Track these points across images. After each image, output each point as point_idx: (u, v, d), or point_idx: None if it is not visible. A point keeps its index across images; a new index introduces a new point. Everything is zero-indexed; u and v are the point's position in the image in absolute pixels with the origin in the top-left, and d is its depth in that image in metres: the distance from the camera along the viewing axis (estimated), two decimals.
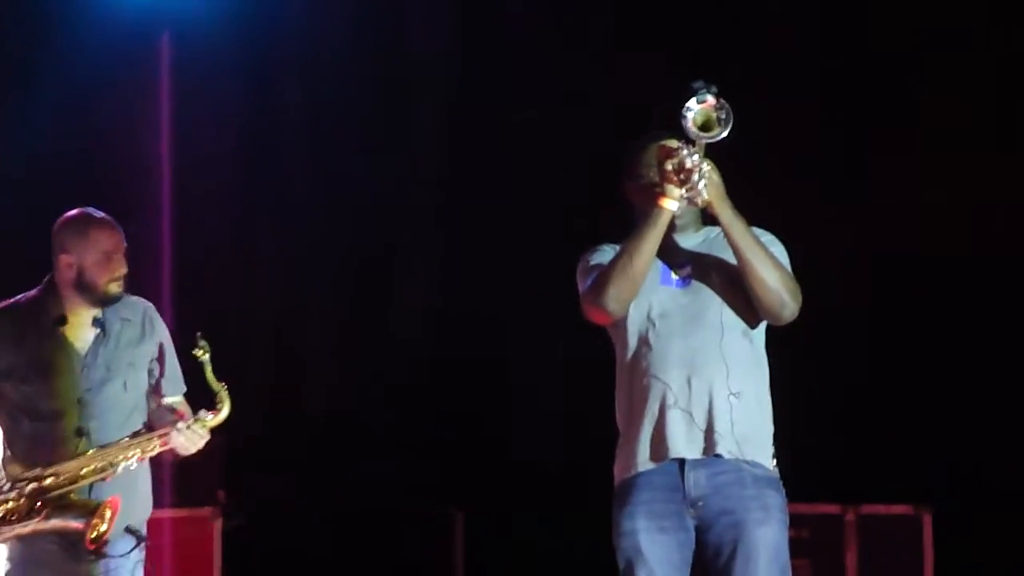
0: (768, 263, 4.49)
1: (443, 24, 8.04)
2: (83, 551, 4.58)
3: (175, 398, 4.90)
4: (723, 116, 4.38)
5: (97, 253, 4.79)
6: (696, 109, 4.38)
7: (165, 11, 7.71)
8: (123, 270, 4.81)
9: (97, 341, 4.82)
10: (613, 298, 4.50)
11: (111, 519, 4.56)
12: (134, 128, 7.63)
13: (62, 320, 4.81)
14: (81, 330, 4.83)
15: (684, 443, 4.46)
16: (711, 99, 4.38)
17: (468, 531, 7.91)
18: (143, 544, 4.78)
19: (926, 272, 7.06)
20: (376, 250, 8.09)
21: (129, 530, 4.72)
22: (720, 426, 4.45)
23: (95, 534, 4.54)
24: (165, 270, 7.49)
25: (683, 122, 4.37)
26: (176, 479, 6.33)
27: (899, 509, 6.88)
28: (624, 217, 4.67)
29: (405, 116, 8.07)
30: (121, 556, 4.70)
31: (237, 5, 7.81)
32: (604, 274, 4.51)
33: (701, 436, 4.46)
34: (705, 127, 4.39)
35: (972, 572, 6.81)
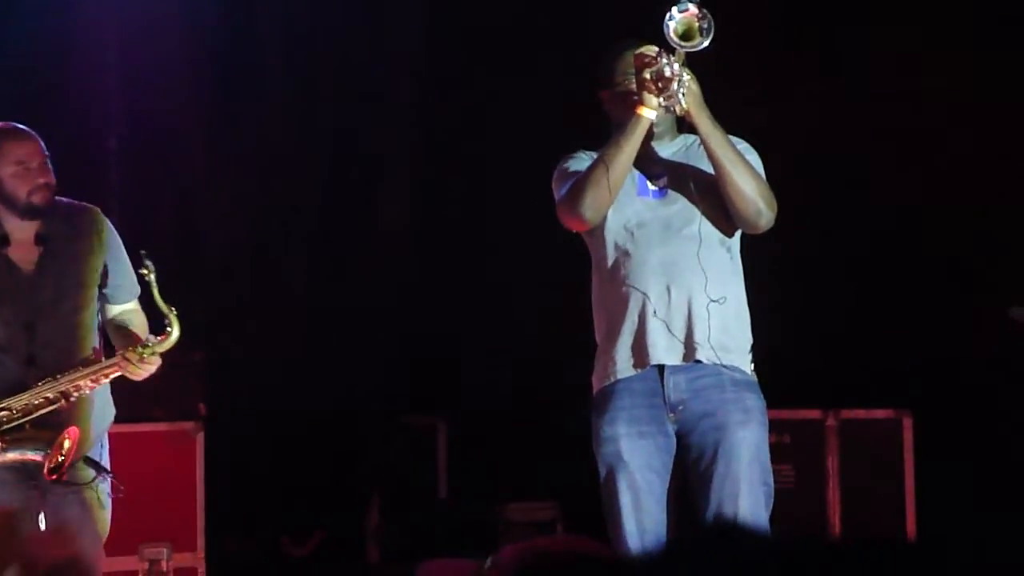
0: (745, 172, 4.48)
1: None
2: (43, 482, 4.48)
3: (128, 304, 4.75)
4: (704, 25, 4.35)
5: (11, 164, 4.59)
6: (678, 18, 4.35)
7: None
8: (43, 179, 4.59)
9: (43, 259, 4.63)
10: (589, 207, 4.49)
11: (70, 449, 4.46)
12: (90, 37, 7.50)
13: (3, 240, 4.63)
14: (25, 249, 4.63)
15: (664, 350, 4.48)
16: (693, 8, 4.34)
17: (451, 440, 7.93)
18: (103, 460, 4.67)
19: (901, 176, 7.04)
20: (359, 167, 8.03)
21: (88, 462, 4.60)
22: (699, 334, 4.47)
23: (54, 465, 4.45)
24: (114, 177, 7.37)
25: (664, 30, 4.34)
26: (156, 394, 6.31)
27: (879, 413, 6.91)
28: (600, 125, 4.64)
29: (382, 19, 7.99)
30: (83, 485, 4.60)
31: None
32: (580, 182, 4.49)
33: (680, 343, 4.48)
34: (686, 36, 4.36)
35: (952, 474, 6.84)
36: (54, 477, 4.46)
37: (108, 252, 4.71)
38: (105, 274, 4.69)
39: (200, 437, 6.78)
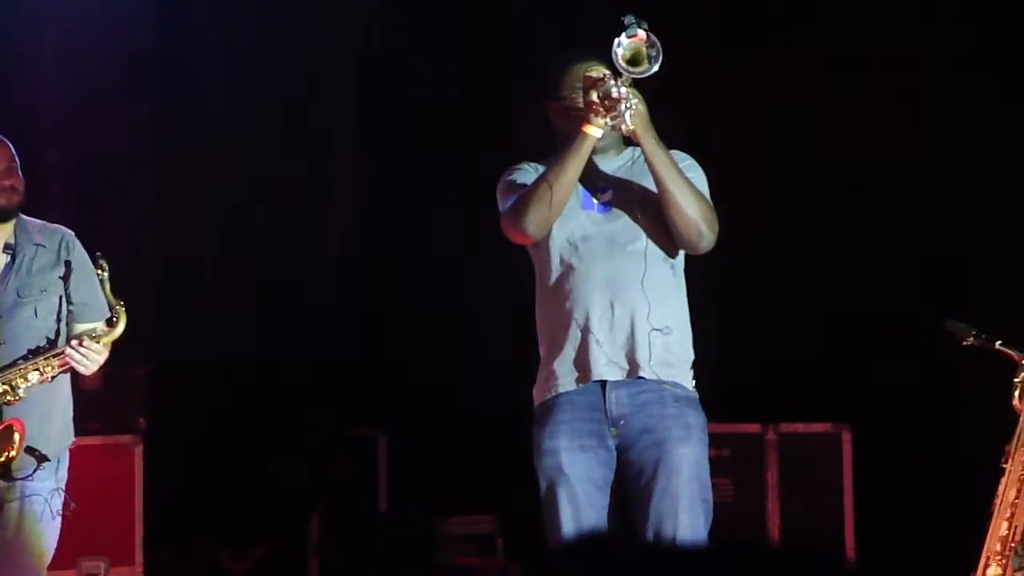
0: (688, 194, 4.50)
1: None
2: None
3: (90, 325, 4.82)
4: (652, 53, 4.37)
5: None
6: (626, 44, 4.37)
7: None
8: (7, 181, 4.72)
9: (7, 267, 4.76)
10: (533, 222, 4.50)
11: (19, 443, 4.54)
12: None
13: None
14: None
15: (605, 366, 4.49)
16: (641, 34, 4.36)
17: (392, 454, 7.92)
18: (56, 469, 4.72)
19: (840, 194, 7.09)
20: (296, 167, 8.00)
21: (29, 450, 4.65)
22: (640, 353, 4.48)
23: (2, 458, 4.53)
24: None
25: (613, 56, 4.36)
26: (96, 407, 6.28)
27: (818, 427, 6.95)
28: (544, 135, 4.65)
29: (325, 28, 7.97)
30: (27, 479, 4.66)
31: None
32: (524, 198, 4.50)
33: (623, 359, 4.49)
34: (634, 61, 4.38)
35: (890, 487, 6.89)
36: (2, 471, 4.54)
37: (76, 270, 4.82)
38: (67, 286, 4.79)
39: (139, 450, 6.75)
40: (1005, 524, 5.09)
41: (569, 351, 4.52)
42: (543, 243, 4.57)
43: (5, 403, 4.62)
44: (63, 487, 4.75)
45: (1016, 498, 5.08)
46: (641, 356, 4.48)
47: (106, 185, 7.64)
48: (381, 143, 7.97)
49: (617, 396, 4.50)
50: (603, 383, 4.50)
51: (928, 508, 6.74)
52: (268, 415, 7.76)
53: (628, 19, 4.38)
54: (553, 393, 4.55)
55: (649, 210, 4.54)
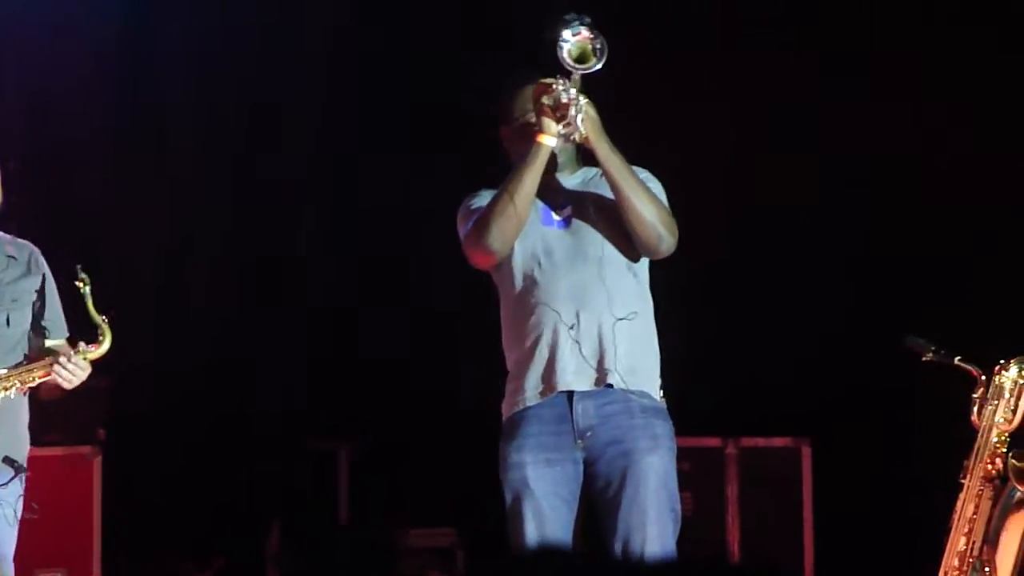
0: (644, 197, 4.51)
1: None
2: None
3: (58, 341, 4.86)
4: (598, 46, 4.38)
5: None
6: (571, 41, 4.38)
7: None
8: None
9: None
10: (496, 238, 4.49)
11: None
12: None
13: None
14: None
15: (574, 374, 4.48)
16: (585, 31, 4.37)
17: (352, 465, 7.90)
18: (23, 476, 4.75)
19: (802, 209, 7.12)
20: (260, 179, 7.99)
21: (6, 460, 4.69)
22: (608, 358, 4.48)
23: None
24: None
25: (559, 54, 4.37)
26: (55, 417, 6.25)
27: (778, 441, 6.97)
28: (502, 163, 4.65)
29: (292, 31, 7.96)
30: (3, 488, 4.68)
31: None
32: (485, 215, 4.50)
33: (592, 368, 4.49)
34: (581, 59, 4.39)
35: (849, 501, 6.91)
36: None
37: (44, 287, 4.86)
38: (40, 300, 4.84)
39: (98, 461, 6.71)
40: (963, 539, 5.12)
41: (537, 364, 4.52)
42: (505, 263, 4.57)
43: None
44: (23, 492, 4.76)
45: (974, 513, 5.10)
46: (609, 357, 4.47)
47: (65, 193, 7.60)
48: (338, 145, 7.96)
49: (584, 407, 4.49)
50: (570, 394, 4.50)
51: (887, 523, 6.77)
52: (228, 426, 7.73)
53: (570, 16, 4.39)
54: (520, 407, 4.54)
55: (609, 218, 4.56)
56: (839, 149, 7.08)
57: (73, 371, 4.68)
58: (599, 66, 4.38)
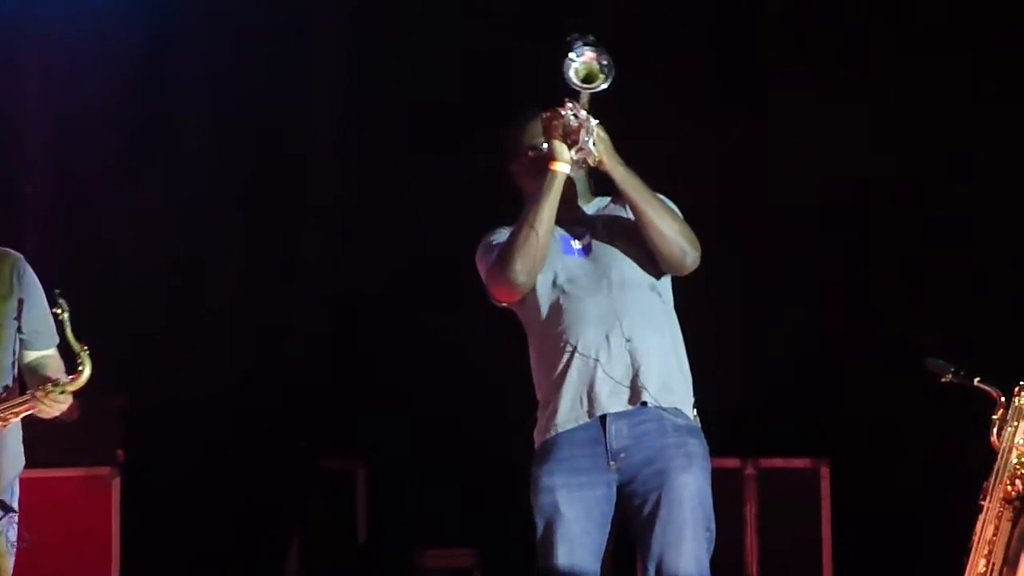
0: (665, 215, 4.50)
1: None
2: None
3: (47, 351, 4.76)
4: (605, 62, 4.37)
5: None
6: (577, 62, 4.36)
7: None
8: None
9: None
10: (520, 271, 4.47)
11: None
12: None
13: None
14: None
15: (608, 396, 4.45)
16: (589, 51, 4.36)
17: (370, 486, 7.90)
18: (13, 516, 4.65)
19: (821, 231, 7.12)
20: (274, 199, 8.00)
21: None
22: (641, 376, 4.44)
23: None
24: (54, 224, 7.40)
25: (566, 76, 4.36)
26: (73, 439, 6.26)
27: (797, 462, 6.95)
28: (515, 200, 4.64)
29: (303, 70, 7.99)
30: None
31: None
32: (506, 248, 4.47)
33: (626, 388, 4.45)
34: (588, 79, 4.38)
35: (868, 523, 6.90)
36: None
37: (27, 297, 4.71)
38: (20, 316, 4.69)
39: (116, 483, 6.72)
40: (983, 561, 5.10)
41: (568, 390, 4.48)
42: (529, 295, 4.55)
43: None
44: (14, 511, 4.67)
45: (994, 535, 5.09)
46: (642, 378, 4.45)
47: (81, 213, 7.62)
48: (361, 170, 7.98)
49: (617, 428, 4.46)
50: (603, 417, 4.47)
51: (906, 544, 6.75)
52: (246, 446, 7.74)
53: (572, 37, 4.38)
54: (553, 433, 4.51)
55: (628, 241, 4.54)
56: (862, 169, 7.08)
57: (51, 405, 4.57)
58: (607, 85, 4.37)
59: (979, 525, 5.11)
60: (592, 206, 4.66)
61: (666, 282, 4.62)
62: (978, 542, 5.10)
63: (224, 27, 7.71)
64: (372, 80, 7.90)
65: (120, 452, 6.83)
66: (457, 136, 7.44)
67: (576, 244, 4.59)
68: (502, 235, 4.58)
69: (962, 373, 5.20)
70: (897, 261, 7.05)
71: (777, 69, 7.23)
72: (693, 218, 4.63)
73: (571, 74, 4.36)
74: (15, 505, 4.68)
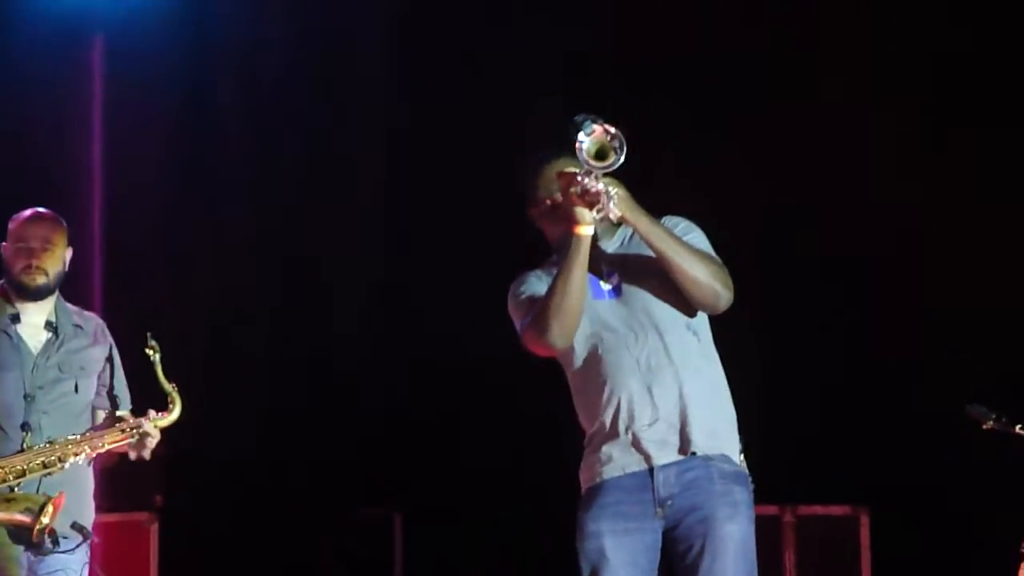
0: (694, 259, 4.47)
1: (384, 28, 8.02)
2: (29, 544, 4.67)
3: (123, 412, 4.95)
4: (616, 143, 4.36)
5: (14, 243, 4.91)
6: (587, 141, 4.35)
7: (99, 11, 7.67)
8: (34, 261, 4.85)
9: (49, 343, 4.90)
10: (557, 336, 4.46)
11: (53, 514, 4.64)
12: (67, 129, 7.58)
13: (15, 318, 4.88)
14: (34, 331, 4.91)
15: (657, 450, 4.44)
16: (598, 129, 4.36)
17: (407, 533, 7.90)
18: (88, 543, 4.83)
19: (863, 272, 7.11)
20: (312, 248, 8.04)
21: (75, 527, 4.77)
22: (688, 427, 4.42)
23: (40, 527, 4.62)
24: (96, 271, 7.46)
25: (579, 157, 4.36)
26: (113, 484, 6.27)
27: (837, 510, 6.93)
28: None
29: (343, 116, 8.03)
30: (67, 553, 4.75)
31: (172, 5, 7.79)
32: (542, 314, 4.45)
33: (673, 440, 4.44)
34: (600, 156, 4.36)
35: (908, 570, 6.86)
36: (39, 541, 4.63)
37: (112, 358, 4.98)
38: (109, 371, 4.95)
39: (155, 528, 6.73)
40: None
41: (615, 440, 4.48)
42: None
43: (47, 474, 4.71)
44: (89, 558, 4.85)
45: None
46: (690, 428, 4.43)
47: (123, 264, 7.68)
48: (388, 220, 8.02)
49: (665, 476, 4.44)
50: (651, 467, 4.46)
51: None
52: (284, 493, 7.75)
53: (579, 117, 4.38)
54: (599, 480, 4.50)
55: (657, 279, 4.52)
56: (899, 210, 7.08)
57: (144, 437, 4.80)
58: (620, 160, 4.36)
59: (1021, 572, 5.09)
60: (616, 240, 4.64)
61: (702, 319, 4.60)
62: None
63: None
64: (422, 125, 7.93)
65: (159, 497, 6.86)
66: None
67: (605, 285, 4.58)
68: (531, 285, 4.58)
69: (1003, 419, 5.19)
70: (938, 308, 7.03)
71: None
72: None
73: (584, 155, 4.36)
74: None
